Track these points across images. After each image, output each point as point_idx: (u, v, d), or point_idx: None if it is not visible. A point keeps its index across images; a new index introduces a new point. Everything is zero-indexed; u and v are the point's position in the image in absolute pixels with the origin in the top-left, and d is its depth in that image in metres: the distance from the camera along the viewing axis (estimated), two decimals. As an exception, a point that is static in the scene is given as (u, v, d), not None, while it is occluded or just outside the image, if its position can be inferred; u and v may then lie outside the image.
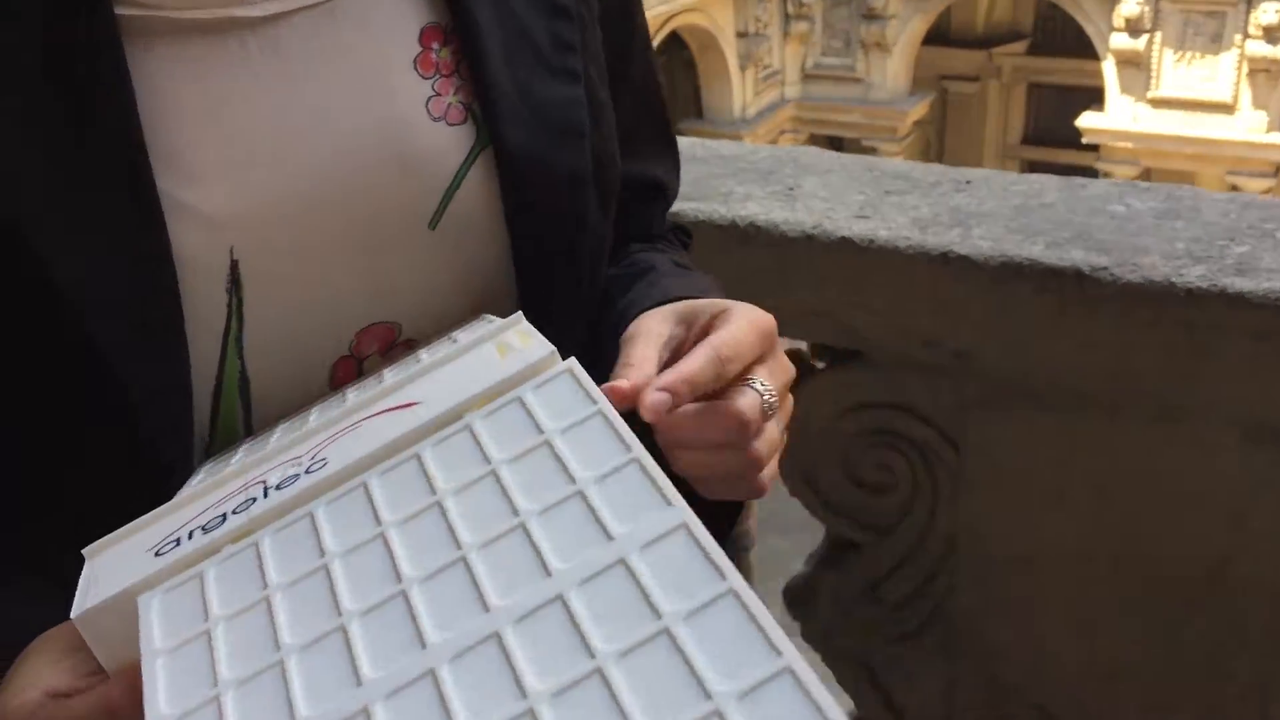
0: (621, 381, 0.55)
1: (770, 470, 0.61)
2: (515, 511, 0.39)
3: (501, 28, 0.66)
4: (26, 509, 0.67)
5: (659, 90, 0.82)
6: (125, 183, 0.58)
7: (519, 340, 0.51)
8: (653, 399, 0.53)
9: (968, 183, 1.41)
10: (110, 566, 0.50)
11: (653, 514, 0.36)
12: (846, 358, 1.41)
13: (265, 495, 0.48)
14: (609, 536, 0.36)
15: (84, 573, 0.51)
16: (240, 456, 0.59)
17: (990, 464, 1.37)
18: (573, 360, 0.47)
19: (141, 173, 0.58)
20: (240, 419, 0.65)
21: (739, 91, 13.08)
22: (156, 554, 0.48)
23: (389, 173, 0.63)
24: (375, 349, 0.67)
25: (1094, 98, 12.85)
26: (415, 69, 0.65)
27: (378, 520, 0.42)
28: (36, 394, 0.63)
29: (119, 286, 0.58)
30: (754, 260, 1.37)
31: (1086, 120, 12.65)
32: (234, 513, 0.48)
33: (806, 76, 14.01)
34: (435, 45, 0.65)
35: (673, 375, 0.55)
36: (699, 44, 12.66)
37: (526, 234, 0.66)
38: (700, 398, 0.57)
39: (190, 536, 0.48)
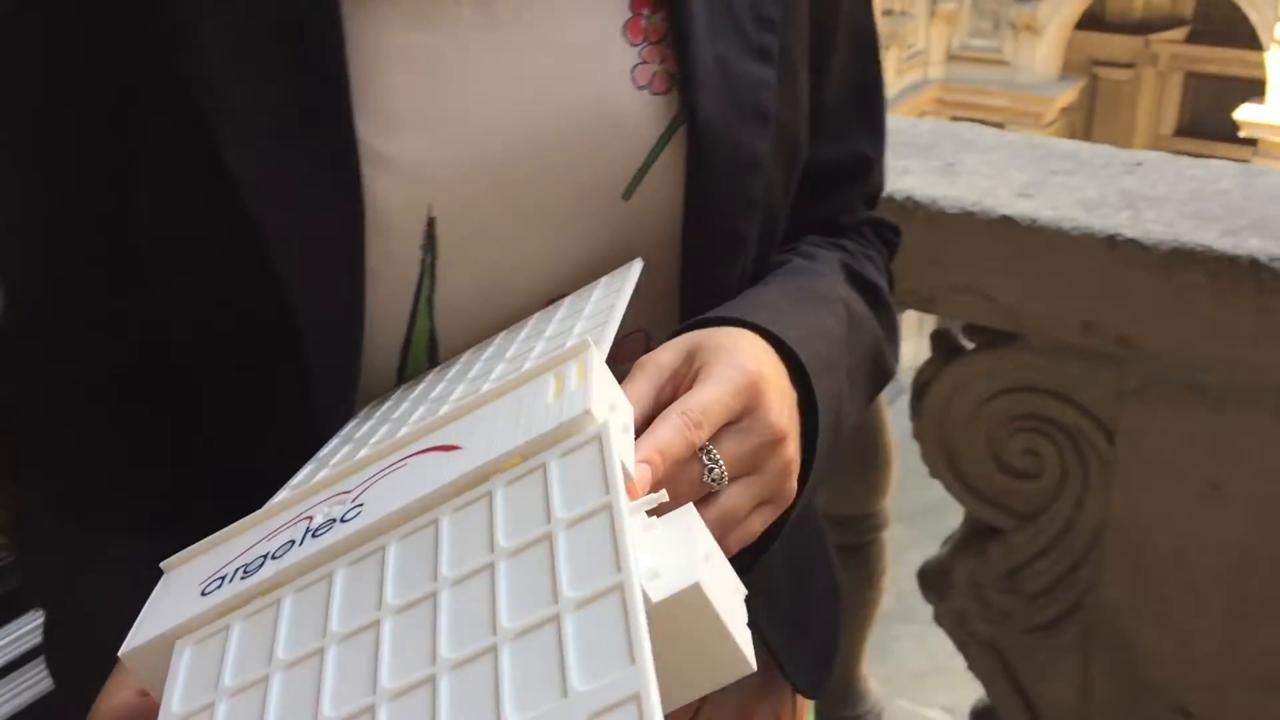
0: None
1: (742, 535, 0.57)
2: (494, 630, 0.38)
3: None
4: (194, 449, 0.69)
5: (872, 66, 0.78)
6: (326, 128, 0.59)
7: (575, 377, 0.49)
8: (638, 473, 0.50)
9: (1138, 165, 1.36)
10: (173, 591, 0.50)
11: (614, 673, 0.33)
12: (999, 339, 1.38)
13: (302, 541, 0.48)
14: (565, 692, 0.34)
15: (154, 591, 0.51)
16: (355, 435, 0.59)
17: (1145, 455, 1.33)
18: (606, 424, 0.44)
19: (343, 119, 0.59)
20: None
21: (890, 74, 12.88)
22: (203, 593, 0.48)
23: (590, 139, 0.63)
24: None
25: (1254, 90, 12.33)
26: (624, 35, 0.64)
27: (380, 603, 0.42)
28: (220, 327, 0.65)
29: (307, 225, 0.59)
30: (909, 236, 1.34)
31: (1245, 113, 12.16)
32: (272, 557, 0.48)
33: (951, 58, 13.72)
34: (646, 11, 0.65)
35: (648, 447, 0.51)
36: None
37: (699, 212, 0.65)
38: None
39: (233, 577, 0.48)
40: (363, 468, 0.51)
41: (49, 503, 0.68)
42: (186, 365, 0.67)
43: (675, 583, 0.44)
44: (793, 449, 0.58)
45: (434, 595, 0.40)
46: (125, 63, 0.59)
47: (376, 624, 0.41)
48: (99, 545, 0.63)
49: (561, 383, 0.48)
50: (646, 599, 0.43)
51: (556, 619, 0.36)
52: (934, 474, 1.49)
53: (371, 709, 0.38)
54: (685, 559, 0.46)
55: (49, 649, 0.67)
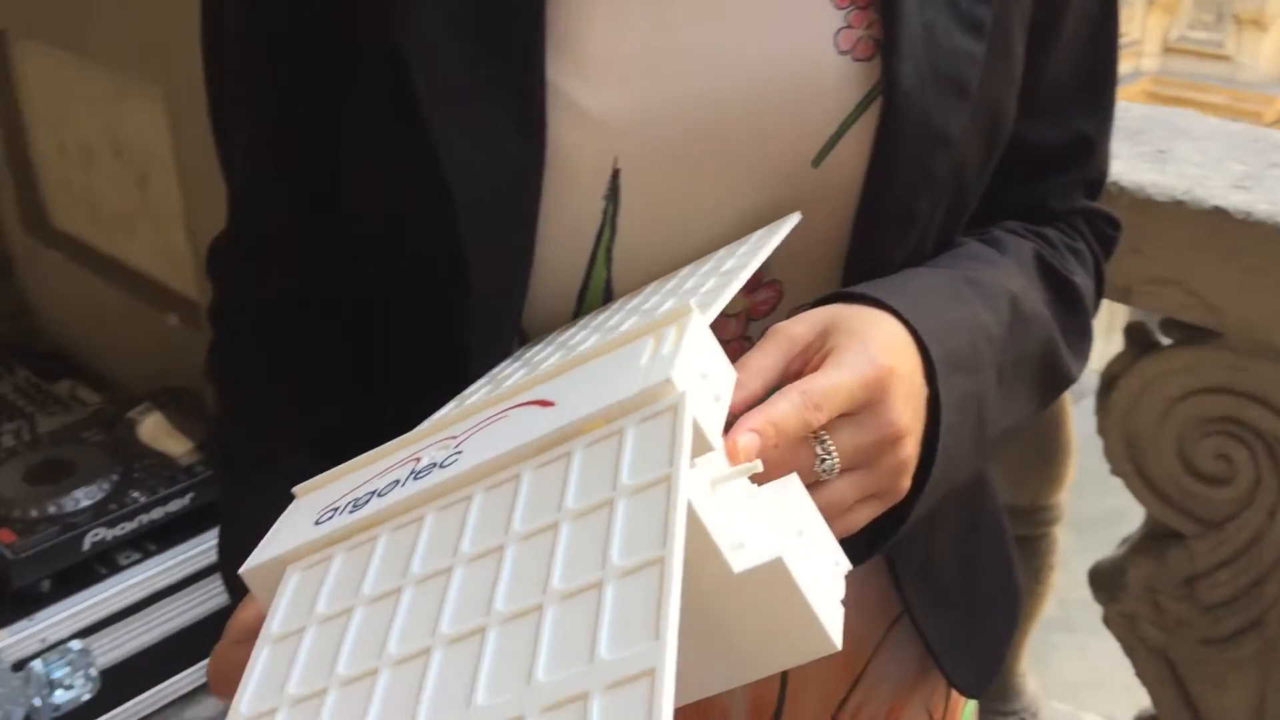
0: None
1: (844, 526, 0.56)
2: (544, 590, 0.38)
3: None
4: (372, 378, 0.72)
5: (1104, 48, 0.74)
6: (516, 67, 0.59)
7: (671, 341, 0.48)
8: (744, 441, 0.50)
9: (1369, 164, 1.28)
10: (297, 517, 0.53)
11: (638, 646, 0.34)
12: (1198, 337, 1.32)
13: (405, 482, 0.49)
14: (592, 658, 0.34)
15: (284, 514, 0.54)
16: (499, 376, 0.60)
17: (1348, 471, 1.26)
18: (684, 394, 0.44)
19: (534, 60, 0.59)
20: None
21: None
22: (316, 522, 0.51)
23: (786, 103, 0.62)
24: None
25: None
26: None
27: (455, 550, 0.43)
28: (398, 261, 0.67)
29: (485, 161, 0.60)
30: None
31: None
32: (378, 495, 0.50)
33: (1167, 50, 13.09)
34: None
35: (761, 418, 0.51)
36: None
37: (880, 185, 0.63)
38: None
39: (344, 510, 0.50)
40: (473, 414, 0.53)
41: (238, 412, 0.72)
42: (371, 295, 0.70)
43: (758, 555, 0.44)
44: (910, 448, 0.57)
45: (502, 549, 0.42)
46: None
47: (449, 570, 0.43)
48: (273, 458, 0.66)
49: (658, 345, 0.49)
50: (727, 569, 0.44)
51: (599, 585, 0.37)
52: (1116, 472, 1.44)
53: (428, 651, 0.39)
54: (775, 531, 0.46)
55: (219, 551, 0.71)
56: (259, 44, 0.66)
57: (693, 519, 0.43)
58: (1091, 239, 0.78)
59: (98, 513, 1.93)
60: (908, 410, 0.57)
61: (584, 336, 0.59)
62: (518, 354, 0.65)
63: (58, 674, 1.85)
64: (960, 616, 0.80)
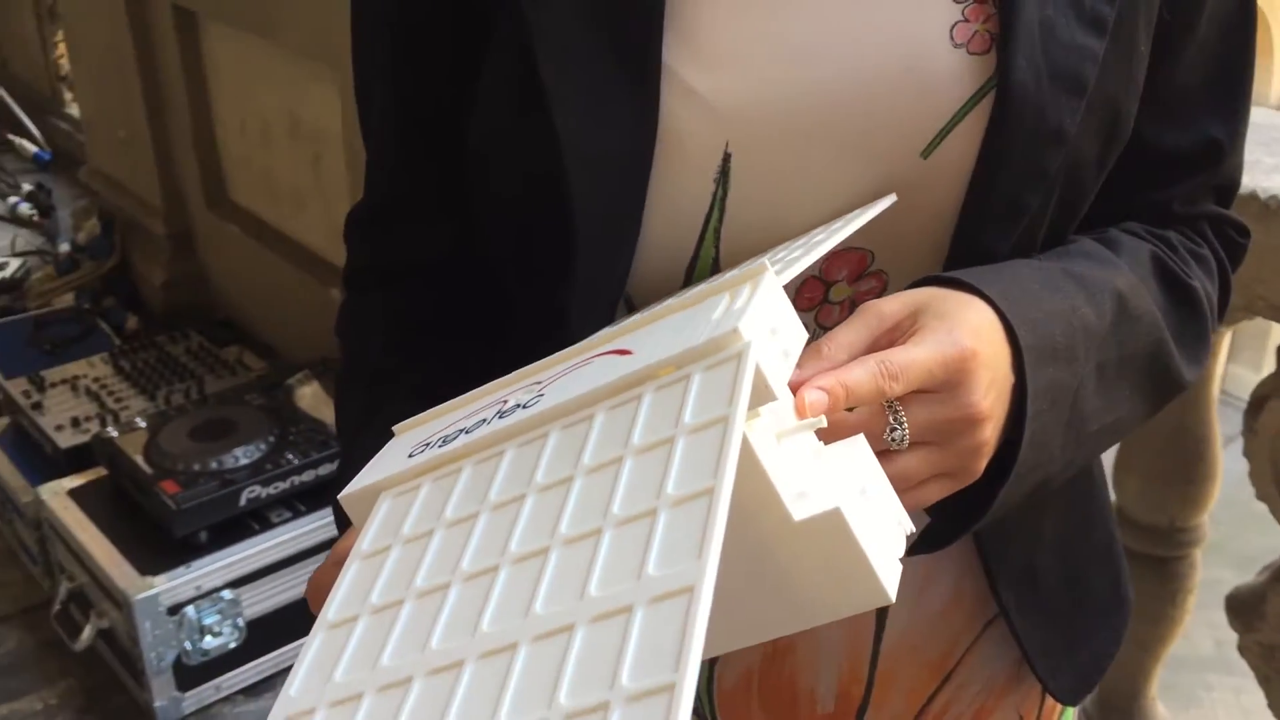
0: (793, 375, 0.53)
1: (913, 500, 0.56)
2: (604, 515, 0.41)
3: None
4: (489, 336, 0.75)
5: (1240, 53, 0.72)
6: (633, 49, 0.61)
7: (744, 297, 0.50)
8: (811, 396, 0.50)
9: None
10: (393, 451, 0.58)
11: (681, 565, 0.36)
12: (1357, 361, 1.27)
13: (490, 421, 0.53)
14: (639, 576, 0.37)
15: (383, 449, 0.59)
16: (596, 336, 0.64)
17: None
18: (749, 343, 0.46)
19: (650, 43, 0.61)
20: None
21: (1283, 75, 11.78)
22: (410, 455, 0.55)
23: (898, 93, 0.62)
24: (844, 275, 0.67)
25: None
26: None
27: (530, 481, 0.47)
28: (514, 231, 0.70)
29: (598, 138, 0.62)
30: (1270, 238, 1.26)
31: None
32: (465, 432, 0.53)
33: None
34: None
35: (833, 378, 0.52)
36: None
37: (988, 179, 0.63)
38: None
39: (435, 444, 0.54)
40: (559, 362, 0.56)
41: (360, 366, 0.77)
42: (485, 260, 0.73)
43: (818, 505, 0.46)
44: (989, 432, 0.57)
45: (571, 479, 0.45)
46: None
47: (522, 498, 0.46)
48: (386, 408, 0.70)
49: (731, 301, 0.51)
50: (788, 516, 0.46)
51: (654, 512, 0.40)
52: (1260, 496, 1.40)
53: (495, 569, 0.43)
54: (838, 486, 0.48)
55: (333, 485, 0.76)
56: (402, 12, 0.69)
57: (754, 466, 0.46)
58: (1217, 245, 0.76)
59: (254, 471, 2.04)
60: (990, 395, 0.57)
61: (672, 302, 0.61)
62: (621, 321, 0.68)
63: (209, 620, 1.96)
64: (1061, 624, 0.79)
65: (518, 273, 0.71)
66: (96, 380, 2.49)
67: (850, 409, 0.54)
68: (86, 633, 2.02)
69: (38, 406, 2.39)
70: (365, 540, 0.51)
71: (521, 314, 0.72)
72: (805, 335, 0.52)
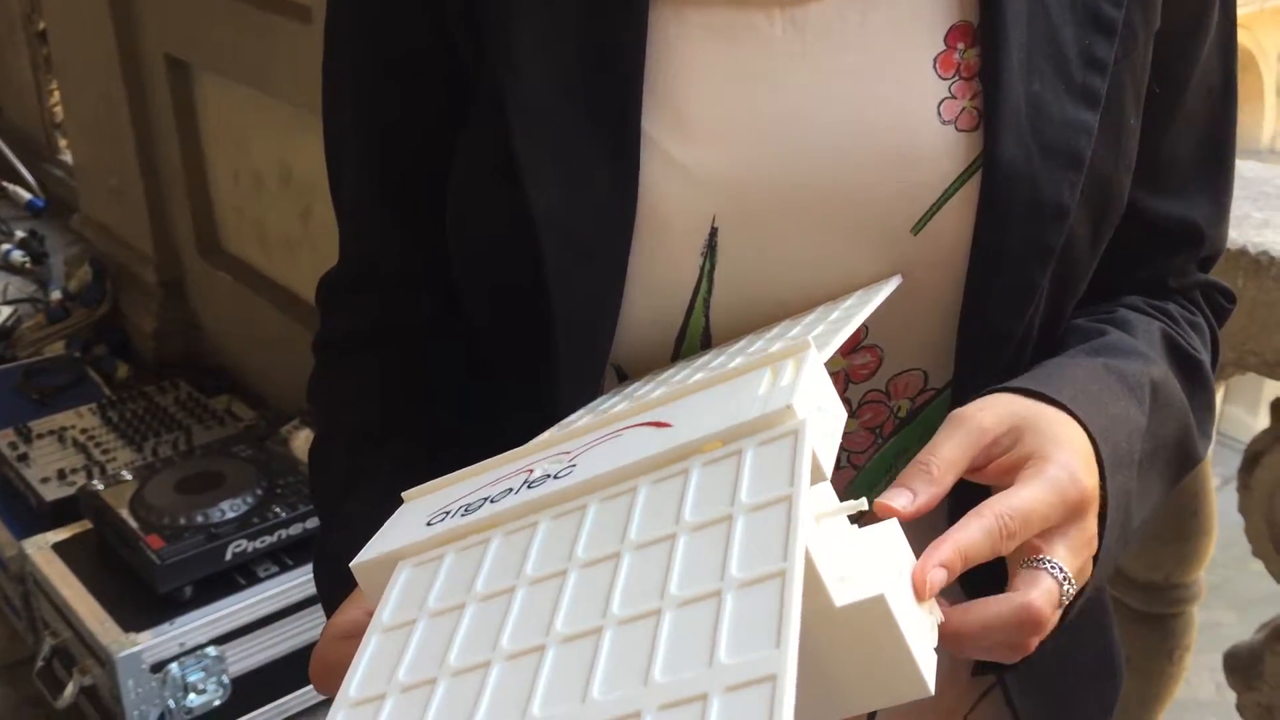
0: (903, 501, 0.51)
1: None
2: (662, 596, 0.40)
3: (1030, 30, 0.62)
4: (468, 405, 0.74)
5: (1223, 124, 0.73)
6: (611, 120, 0.61)
7: (789, 373, 0.49)
8: (936, 578, 0.48)
9: None
10: (407, 519, 0.55)
11: (759, 652, 0.35)
12: (1350, 417, 1.26)
13: (518, 491, 0.51)
14: (711, 663, 0.35)
15: (392, 517, 0.56)
16: (597, 407, 0.62)
17: None
18: (804, 421, 0.44)
19: (629, 115, 0.60)
20: None
21: (1272, 119, 11.86)
22: (428, 523, 0.52)
23: (886, 170, 0.62)
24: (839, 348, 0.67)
25: None
26: (934, 68, 0.62)
27: (570, 555, 0.45)
28: (492, 306, 0.68)
29: (577, 216, 0.61)
30: (1262, 293, 1.25)
31: None
32: (491, 501, 0.51)
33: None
34: (961, 46, 0.62)
35: (951, 549, 0.49)
36: (1239, 63, 11.58)
37: (988, 257, 0.62)
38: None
39: (456, 513, 0.52)
40: (586, 432, 0.54)
41: (339, 431, 0.75)
42: (467, 330, 0.72)
43: (861, 590, 0.44)
44: (1090, 566, 0.57)
45: (618, 555, 0.43)
46: (453, 41, 0.64)
47: (564, 573, 0.44)
48: (372, 474, 0.68)
49: (775, 377, 0.50)
50: (829, 602, 0.44)
51: (719, 594, 0.38)
52: (1257, 554, 1.38)
53: (542, 649, 0.41)
54: (878, 570, 0.46)
55: (315, 563, 0.74)
56: (373, 77, 0.69)
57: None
58: (1208, 311, 0.76)
59: (241, 525, 2.02)
60: (1095, 524, 0.57)
61: (689, 374, 0.60)
62: (619, 390, 0.66)
63: (193, 678, 1.93)
64: (1056, 695, 0.77)
65: (498, 346, 0.70)
66: (84, 431, 2.47)
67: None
68: (69, 690, 1.99)
69: (24, 458, 2.37)
70: (385, 611, 0.48)
71: (506, 385, 0.71)
72: (845, 415, 0.51)
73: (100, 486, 2.11)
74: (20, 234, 3.89)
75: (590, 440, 0.53)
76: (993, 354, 0.64)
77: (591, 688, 0.37)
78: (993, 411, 0.57)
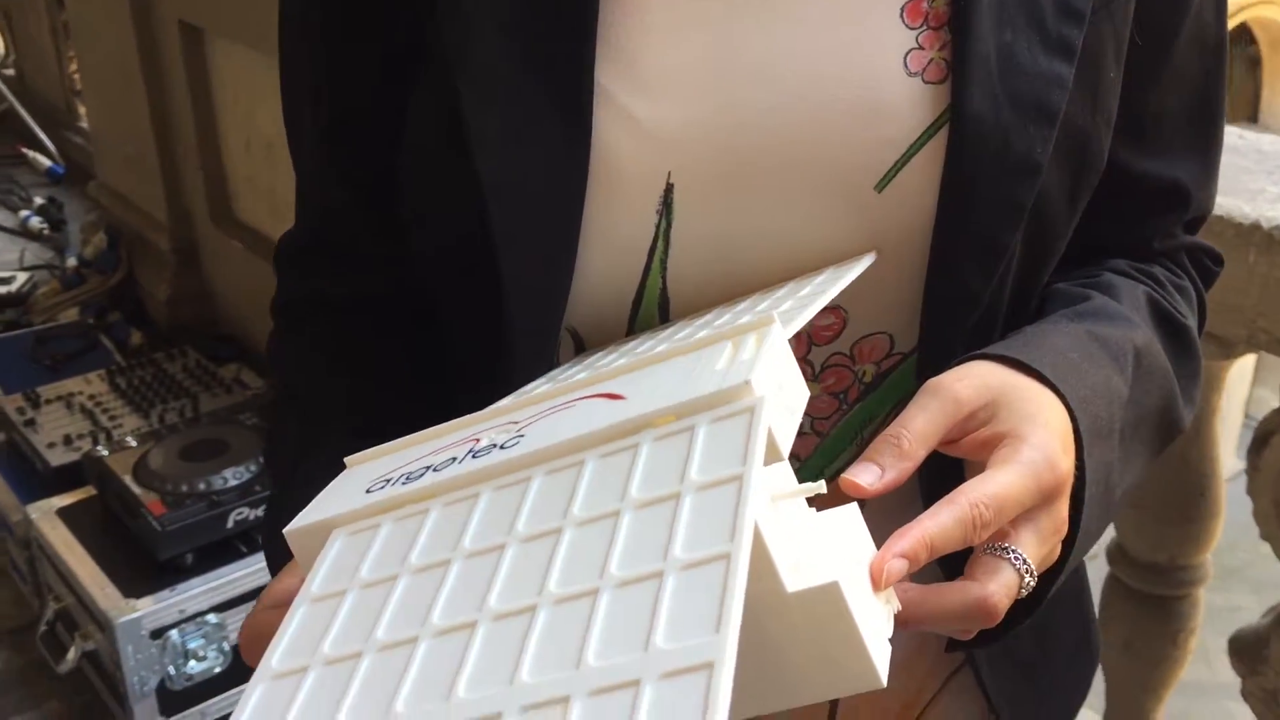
0: (869, 477, 0.49)
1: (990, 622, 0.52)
2: (601, 575, 0.37)
3: None
4: (424, 375, 0.72)
5: (1213, 81, 0.69)
6: (565, 75, 0.58)
7: (750, 348, 0.47)
8: (890, 567, 0.46)
9: None
10: (347, 485, 0.52)
11: (697, 638, 0.33)
12: (1363, 398, 1.22)
13: (462, 460, 0.48)
14: (647, 647, 0.33)
15: (332, 483, 0.53)
16: (555, 376, 0.60)
17: None
18: (762, 398, 0.42)
19: (582, 69, 0.58)
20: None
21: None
22: (368, 491, 0.50)
23: (849, 121, 0.59)
24: None
25: None
26: (902, 17, 0.59)
27: (510, 529, 0.43)
28: (444, 270, 0.66)
29: (526, 172, 0.59)
30: (1275, 269, 1.22)
31: None
32: (433, 470, 0.49)
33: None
34: None
35: (916, 538, 0.47)
36: (1270, 40, 11.37)
37: (954, 215, 0.60)
38: None
39: (397, 481, 0.49)
40: (537, 402, 0.52)
41: (295, 399, 0.73)
42: (422, 293, 0.70)
43: (815, 577, 0.42)
44: (1058, 551, 0.54)
45: (560, 531, 0.41)
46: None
47: (502, 547, 0.42)
48: (322, 443, 0.67)
49: (736, 351, 0.47)
50: (781, 587, 0.42)
51: (660, 576, 0.36)
52: (1265, 536, 1.35)
53: (473, 625, 0.38)
54: (835, 556, 0.44)
55: (263, 533, 0.72)
56: (325, 34, 0.67)
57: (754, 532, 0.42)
58: (1194, 274, 0.74)
59: (243, 493, 2.01)
60: (1066, 507, 0.54)
61: (652, 345, 0.58)
62: (579, 359, 0.64)
63: (193, 644, 1.93)
64: (1028, 674, 0.75)
65: (453, 312, 0.68)
66: (92, 398, 2.47)
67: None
68: (71, 655, 1.99)
69: (31, 423, 2.37)
70: (315, 581, 0.46)
71: (461, 351, 0.69)
72: (808, 394, 0.49)
73: (105, 452, 2.11)
74: (39, 200, 3.91)
75: (541, 410, 0.50)
76: (960, 318, 0.62)
77: (521, 669, 0.35)
78: (969, 382, 0.54)
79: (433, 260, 0.67)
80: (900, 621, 0.48)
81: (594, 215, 0.60)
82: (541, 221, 0.59)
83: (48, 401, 2.46)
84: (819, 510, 0.48)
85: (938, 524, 0.48)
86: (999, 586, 0.50)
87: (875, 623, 0.44)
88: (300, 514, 0.51)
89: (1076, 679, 0.80)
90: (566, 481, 0.44)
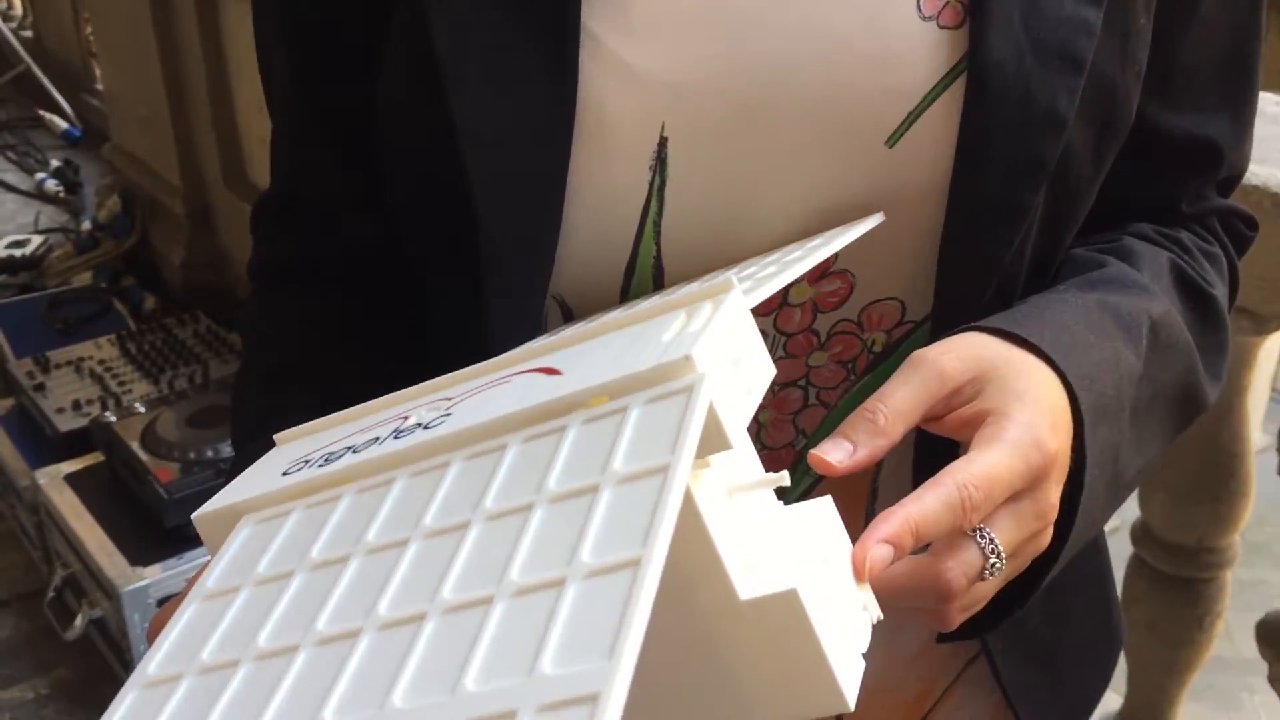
0: (839, 454, 0.45)
1: (968, 607, 0.48)
2: (499, 581, 0.33)
3: None
4: (408, 346, 0.68)
5: (1249, 35, 0.65)
6: (549, 18, 0.54)
7: (704, 316, 0.42)
8: (877, 554, 0.42)
9: None
10: (269, 465, 0.48)
11: (586, 664, 0.28)
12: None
13: (384, 441, 0.44)
14: (531, 671, 0.29)
15: (256, 463, 0.49)
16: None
17: None
18: (703, 376, 0.37)
19: (568, 11, 0.54)
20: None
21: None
22: (284, 473, 0.46)
23: (858, 70, 0.55)
24: (805, 274, 0.60)
25: None
26: None
27: (418, 523, 0.38)
28: (422, 230, 0.63)
29: (507, 123, 0.55)
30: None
31: None
32: (353, 451, 0.45)
33: None
34: None
35: (900, 522, 0.43)
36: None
37: (972, 172, 0.55)
38: None
39: (315, 463, 0.45)
40: (474, 377, 0.47)
41: (257, 369, 0.70)
42: (400, 257, 0.66)
43: (770, 583, 0.38)
44: (1046, 538, 0.50)
45: (467, 526, 0.36)
46: None
47: (405, 544, 0.38)
48: (285, 413, 0.63)
49: (687, 321, 0.42)
50: (733, 594, 0.38)
51: (561, 585, 0.31)
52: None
53: (356, 635, 0.34)
54: (796, 557, 0.40)
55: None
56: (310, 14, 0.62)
57: (698, 528, 0.37)
58: (1226, 240, 0.69)
59: (251, 461, 1.98)
60: (1058, 489, 0.50)
61: (620, 315, 0.53)
62: (557, 331, 0.60)
63: (200, 613, 1.91)
64: (1046, 662, 0.71)
65: (432, 279, 0.64)
66: (102, 363, 2.45)
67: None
68: (78, 622, 1.98)
69: (40, 388, 2.36)
70: (211, 576, 0.42)
71: (440, 320, 0.65)
72: (773, 371, 0.43)
73: (113, 418, 2.09)
74: (55, 163, 3.88)
75: (474, 386, 0.46)
76: (977, 284, 0.57)
77: (395, 692, 0.31)
78: (957, 355, 0.50)
79: (409, 220, 0.63)
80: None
81: (581, 170, 0.56)
82: (523, 175, 0.55)
83: (57, 366, 2.44)
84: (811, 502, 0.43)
85: (922, 507, 0.44)
86: (957, 564, 0.46)
87: (844, 636, 0.40)
88: (214, 498, 0.47)
89: (1097, 666, 0.76)
90: (485, 469, 0.39)
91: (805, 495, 0.66)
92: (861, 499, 0.66)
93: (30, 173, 3.91)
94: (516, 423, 0.40)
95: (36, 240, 3.31)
